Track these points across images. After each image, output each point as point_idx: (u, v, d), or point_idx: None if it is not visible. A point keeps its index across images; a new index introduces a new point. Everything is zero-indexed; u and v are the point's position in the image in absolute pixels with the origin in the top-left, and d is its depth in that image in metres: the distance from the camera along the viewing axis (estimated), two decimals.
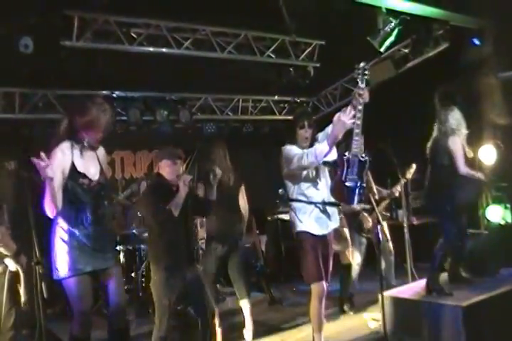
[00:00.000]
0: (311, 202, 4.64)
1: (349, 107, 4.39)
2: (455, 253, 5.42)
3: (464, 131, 5.24)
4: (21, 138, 7.57)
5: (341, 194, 4.53)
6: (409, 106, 7.88)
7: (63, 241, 3.76)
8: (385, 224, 6.38)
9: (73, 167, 3.79)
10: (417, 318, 5.04)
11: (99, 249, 3.84)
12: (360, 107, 4.34)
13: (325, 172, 4.77)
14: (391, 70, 8.20)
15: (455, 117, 5.22)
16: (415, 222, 7.47)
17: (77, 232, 3.77)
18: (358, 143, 4.42)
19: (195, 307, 4.66)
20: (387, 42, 6.82)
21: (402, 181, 6.25)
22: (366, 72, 4.48)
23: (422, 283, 5.72)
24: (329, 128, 4.69)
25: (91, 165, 3.92)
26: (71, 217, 3.78)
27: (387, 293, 5.35)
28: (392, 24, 6.65)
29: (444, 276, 5.44)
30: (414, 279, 6.09)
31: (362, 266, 6.51)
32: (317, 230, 4.66)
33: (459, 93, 5.46)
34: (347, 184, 4.46)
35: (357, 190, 4.46)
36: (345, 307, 6.29)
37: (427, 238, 7.39)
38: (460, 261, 5.52)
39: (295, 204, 4.70)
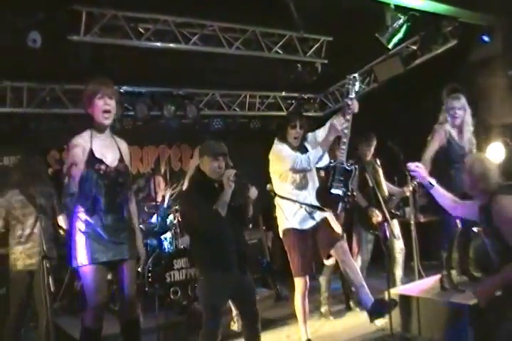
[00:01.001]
0: (297, 202, 4.67)
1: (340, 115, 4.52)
2: (460, 249, 5.40)
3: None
4: (28, 132, 7.59)
5: (326, 200, 4.62)
6: (417, 103, 7.85)
7: (80, 231, 3.78)
8: (395, 222, 6.34)
9: (91, 153, 3.80)
10: (423, 316, 5.03)
11: (115, 240, 3.85)
12: (348, 117, 4.45)
13: (312, 174, 4.80)
14: (399, 67, 8.17)
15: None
16: (422, 219, 7.44)
17: (93, 222, 3.78)
18: (344, 151, 4.57)
19: (243, 313, 4.33)
20: (395, 39, 6.82)
21: (411, 180, 6.19)
22: (357, 83, 4.55)
23: (428, 281, 5.73)
24: (319, 132, 4.77)
25: (109, 152, 3.92)
26: (87, 206, 3.79)
27: (394, 291, 5.35)
28: (401, 20, 6.64)
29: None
30: (420, 277, 6.06)
31: (369, 264, 6.47)
32: (302, 225, 4.74)
33: (467, 90, 5.42)
34: (332, 191, 4.54)
35: (341, 198, 4.56)
36: (351, 304, 6.28)
37: (434, 236, 7.38)
38: (466, 258, 5.49)
39: (282, 201, 4.72)
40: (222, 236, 4.06)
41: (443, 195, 4.13)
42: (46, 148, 7.85)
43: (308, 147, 4.87)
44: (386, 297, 4.60)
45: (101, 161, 3.81)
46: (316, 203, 4.72)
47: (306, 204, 4.66)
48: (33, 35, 5.56)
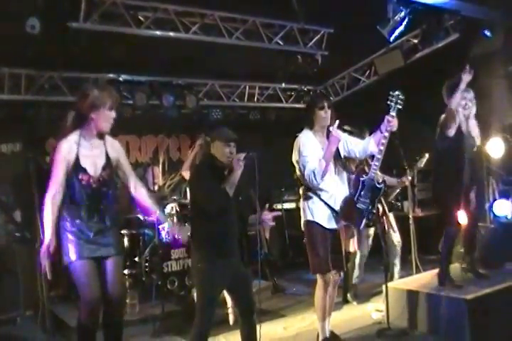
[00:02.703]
0: (319, 197, 4.58)
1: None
2: (468, 244, 5.39)
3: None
4: (26, 120, 7.55)
5: (350, 214, 4.56)
6: (418, 97, 7.82)
7: (66, 230, 3.83)
8: (391, 215, 6.32)
9: (77, 160, 3.83)
10: (420, 310, 5.05)
11: (101, 239, 3.88)
12: (386, 134, 4.39)
13: (343, 176, 4.72)
14: (399, 60, 8.13)
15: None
16: (420, 213, 7.44)
17: (78, 223, 3.83)
18: (376, 168, 4.54)
19: (239, 304, 4.26)
20: (396, 32, 6.76)
21: (410, 171, 6.17)
22: (400, 101, 4.49)
23: (426, 274, 5.74)
24: (354, 139, 4.74)
25: (96, 160, 3.94)
26: (71, 210, 3.85)
27: (392, 284, 5.35)
28: (402, 13, 6.58)
29: (453, 268, 5.42)
30: (418, 271, 6.06)
31: (367, 257, 6.45)
32: (327, 223, 4.58)
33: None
34: (358, 206, 4.51)
35: (366, 214, 4.54)
36: (349, 297, 6.27)
37: (432, 230, 7.37)
38: (473, 254, 5.45)
39: (308, 193, 4.63)
40: (225, 222, 4.04)
41: None
42: (44, 136, 7.80)
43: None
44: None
45: (84, 171, 3.85)
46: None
47: (330, 207, 4.56)
48: (32, 21, 5.50)
